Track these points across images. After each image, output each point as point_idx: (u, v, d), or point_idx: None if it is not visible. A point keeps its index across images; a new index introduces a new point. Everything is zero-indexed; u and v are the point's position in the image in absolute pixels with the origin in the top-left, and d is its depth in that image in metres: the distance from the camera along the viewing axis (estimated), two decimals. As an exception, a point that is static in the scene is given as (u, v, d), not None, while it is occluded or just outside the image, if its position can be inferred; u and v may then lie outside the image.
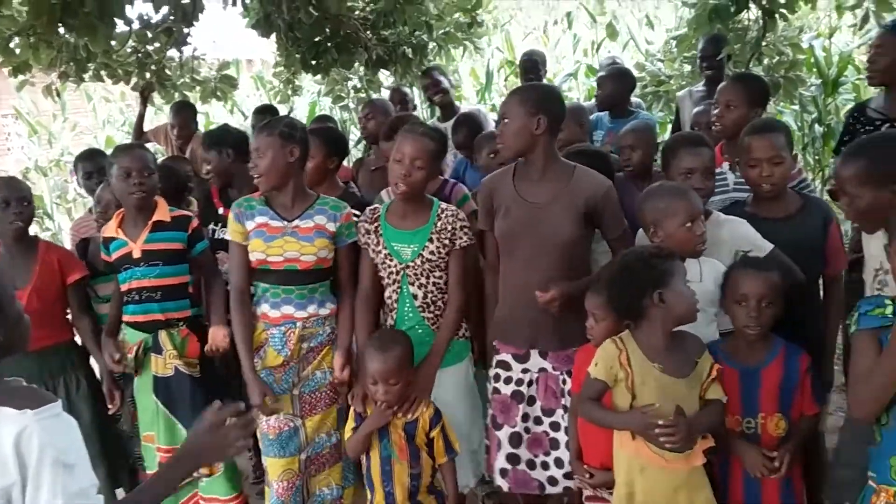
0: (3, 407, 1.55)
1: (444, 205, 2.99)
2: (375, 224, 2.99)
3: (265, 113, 5.10)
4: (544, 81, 5.90)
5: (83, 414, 3.31)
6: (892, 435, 2.07)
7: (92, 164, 4.01)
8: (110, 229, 3.26)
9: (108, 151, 3.94)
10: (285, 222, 2.96)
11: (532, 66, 5.69)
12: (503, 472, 2.92)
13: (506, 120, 2.78)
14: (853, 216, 2.39)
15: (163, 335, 3.21)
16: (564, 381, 2.84)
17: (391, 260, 2.95)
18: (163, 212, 3.22)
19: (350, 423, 2.89)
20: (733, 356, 2.57)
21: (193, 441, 1.86)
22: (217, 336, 3.20)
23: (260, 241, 2.96)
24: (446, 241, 2.91)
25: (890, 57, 3.38)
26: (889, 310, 2.05)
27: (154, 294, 3.20)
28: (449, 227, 2.90)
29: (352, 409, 2.93)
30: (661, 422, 2.26)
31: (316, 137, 3.32)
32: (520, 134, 2.75)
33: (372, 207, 3.09)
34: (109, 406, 3.40)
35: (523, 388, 2.90)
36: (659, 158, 3.42)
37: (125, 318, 3.27)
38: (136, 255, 3.18)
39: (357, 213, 3.14)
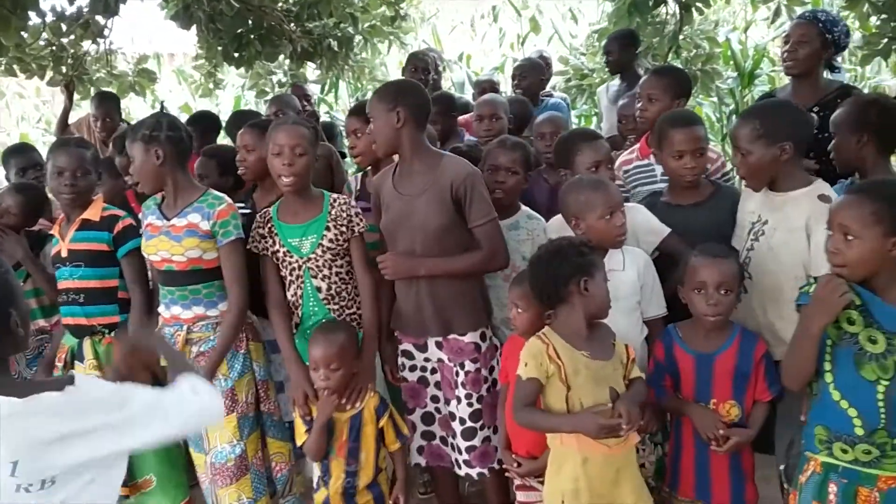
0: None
1: (334, 195, 3.00)
2: (269, 226, 2.96)
3: (201, 121, 4.82)
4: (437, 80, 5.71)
5: None
6: (818, 406, 2.20)
7: (25, 160, 3.89)
8: (55, 226, 3.18)
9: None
10: (164, 221, 2.91)
11: (423, 66, 5.37)
12: (420, 450, 3.06)
13: (370, 120, 2.87)
14: (744, 172, 2.71)
15: (86, 343, 3.08)
16: (457, 373, 2.89)
17: (290, 256, 2.93)
18: (94, 210, 3.10)
19: (301, 429, 2.86)
20: (689, 342, 2.63)
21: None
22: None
23: (144, 240, 2.96)
24: (343, 229, 2.91)
25: (811, 47, 3.51)
26: (811, 288, 2.18)
27: (77, 296, 3.07)
28: (344, 214, 2.91)
29: (296, 417, 2.89)
30: (610, 419, 2.29)
31: (255, 130, 3.29)
32: (383, 130, 2.80)
33: (262, 212, 3.04)
34: None
35: (427, 374, 3.00)
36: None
37: (63, 320, 3.16)
38: (64, 253, 3.08)
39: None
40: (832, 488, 2.14)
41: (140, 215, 3.07)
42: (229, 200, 2.95)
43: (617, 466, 2.39)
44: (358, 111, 3.43)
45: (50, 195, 3.58)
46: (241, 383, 2.93)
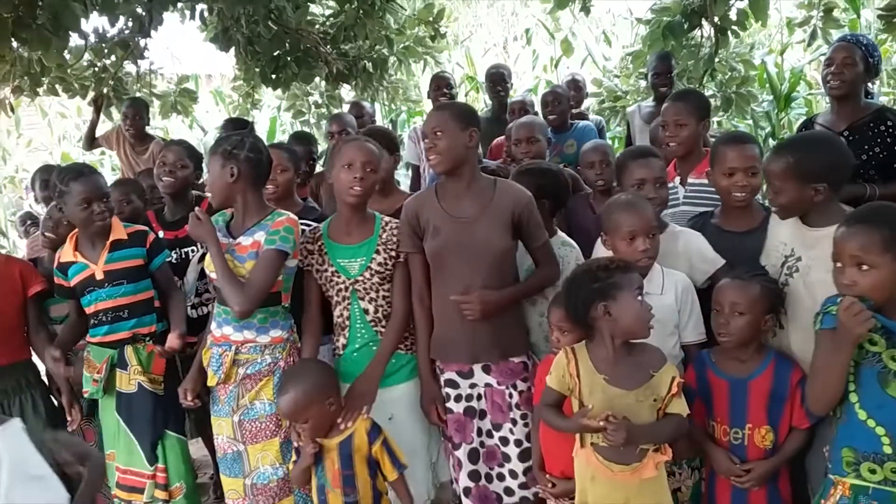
0: None
1: (386, 217, 3.00)
2: (318, 243, 2.96)
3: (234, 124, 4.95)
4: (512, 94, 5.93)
5: (38, 434, 3.24)
6: (844, 428, 2.17)
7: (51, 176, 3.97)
8: (67, 254, 3.18)
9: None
10: (230, 239, 2.91)
11: (499, 78, 5.73)
12: (466, 491, 2.91)
13: (438, 133, 2.80)
14: (775, 206, 2.61)
15: (129, 350, 3.14)
16: (511, 395, 2.85)
17: (338, 277, 2.92)
18: (119, 230, 3.18)
19: (294, 456, 2.82)
20: (723, 367, 2.59)
21: None
22: (171, 339, 3.12)
23: (208, 256, 2.93)
24: (392, 253, 2.91)
25: (856, 69, 3.47)
26: (835, 308, 2.14)
27: (122, 313, 3.14)
28: (394, 239, 2.91)
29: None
30: (600, 420, 2.27)
31: (291, 152, 3.36)
32: (455, 148, 2.79)
33: (312, 227, 3.04)
34: (69, 419, 3.33)
35: (473, 403, 2.90)
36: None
37: (92, 339, 3.20)
38: (99, 276, 3.12)
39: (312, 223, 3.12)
40: None
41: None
42: (291, 216, 2.90)
43: (626, 494, 2.35)
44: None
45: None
46: None
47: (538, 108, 5.33)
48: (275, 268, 2.79)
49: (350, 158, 2.87)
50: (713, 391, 2.58)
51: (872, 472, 2.10)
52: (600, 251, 2.95)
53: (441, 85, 5.71)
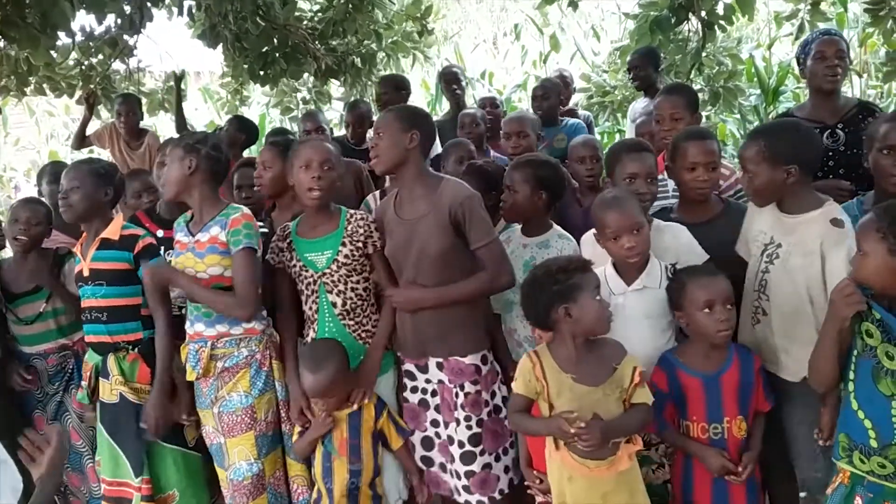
0: None
1: (351, 210, 3.03)
2: (288, 241, 3.00)
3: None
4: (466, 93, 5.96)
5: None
6: (843, 413, 2.23)
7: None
8: (77, 245, 3.21)
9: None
10: (190, 237, 2.95)
11: (453, 77, 5.72)
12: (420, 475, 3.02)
13: (380, 134, 2.87)
14: (750, 191, 2.69)
15: (110, 359, 3.06)
16: (457, 395, 2.85)
17: (306, 271, 2.96)
18: (113, 229, 3.11)
19: (296, 428, 2.92)
20: (692, 365, 2.60)
21: None
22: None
23: (173, 258, 3.00)
24: (360, 244, 2.93)
25: (846, 63, 3.52)
26: None
27: (100, 315, 3.07)
28: (360, 231, 2.93)
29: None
30: (574, 427, 2.29)
31: (275, 148, 3.34)
32: (393, 149, 2.83)
33: (282, 226, 3.08)
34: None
35: (427, 397, 2.97)
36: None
37: (86, 338, 3.17)
38: (86, 273, 3.09)
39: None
40: (858, 501, 2.15)
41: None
42: (246, 210, 2.95)
43: (604, 490, 2.37)
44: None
45: None
46: (262, 401, 2.94)
47: (527, 103, 5.34)
48: (252, 265, 2.87)
49: (307, 159, 2.90)
50: (687, 390, 2.58)
51: (862, 461, 2.14)
52: (586, 244, 2.96)
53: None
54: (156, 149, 5.01)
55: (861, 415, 2.14)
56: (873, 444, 2.10)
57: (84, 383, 3.13)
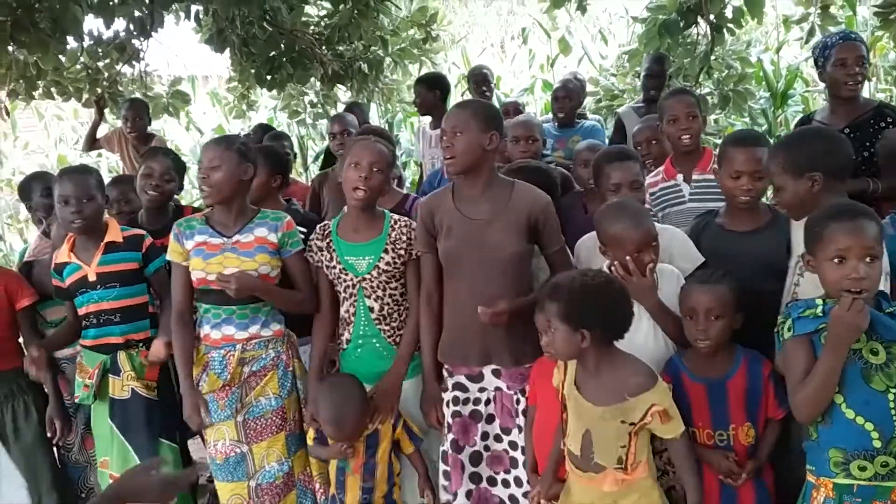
0: None
1: (395, 216, 2.99)
2: (327, 240, 2.96)
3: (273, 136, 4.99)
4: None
5: (30, 440, 3.26)
6: (827, 431, 2.17)
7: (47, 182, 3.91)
8: (63, 255, 3.17)
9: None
10: (224, 238, 2.93)
11: (483, 78, 5.75)
12: (468, 495, 2.88)
13: (458, 133, 2.74)
14: (783, 207, 2.63)
15: (122, 356, 3.11)
16: (518, 401, 2.81)
17: (346, 274, 2.93)
18: (114, 232, 3.15)
19: (311, 433, 2.92)
20: (697, 371, 2.56)
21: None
22: (156, 346, 3.11)
23: (199, 259, 2.91)
24: (401, 252, 2.90)
25: (866, 67, 3.49)
26: (819, 309, 2.15)
27: (113, 316, 3.11)
28: (403, 238, 2.91)
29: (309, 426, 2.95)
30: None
31: (260, 155, 3.30)
32: (473, 148, 2.73)
33: (322, 224, 3.06)
34: (49, 433, 3.30)
35: (481, 407, 2.87)
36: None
37: (84, 342, 3.19)
38: (92, 277, 3.10)
39: (303, 229, 3.12)
40: None
41: (172, 234, 3.00)
42: (287, 216, 3.03)
43: (611, 498, 2.35)
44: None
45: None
46: (290, 401, 3.00)
47: (534, 107, 5.34)
48: (309, 266, 3.02)
49: (357, 157, 2.87)
50: (690, 396, 2.54)
51: (863, 469, 2.10)
52: (584, 248, 2.94)
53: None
54: None
55: (860, 420, 2.10)
56: (876, 444, 2.08)
57: (90, 381, 3.11)
